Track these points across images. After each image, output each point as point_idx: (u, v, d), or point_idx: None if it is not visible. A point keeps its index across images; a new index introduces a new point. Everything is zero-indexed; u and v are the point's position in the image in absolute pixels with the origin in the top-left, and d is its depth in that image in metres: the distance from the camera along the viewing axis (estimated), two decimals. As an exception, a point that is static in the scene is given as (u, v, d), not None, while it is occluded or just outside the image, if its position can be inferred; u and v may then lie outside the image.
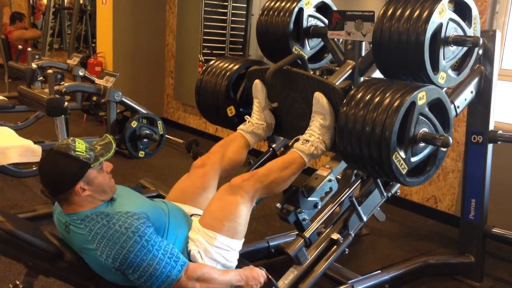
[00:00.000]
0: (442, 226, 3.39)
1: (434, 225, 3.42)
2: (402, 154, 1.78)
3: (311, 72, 2.19)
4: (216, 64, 2.56)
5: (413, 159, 1.84)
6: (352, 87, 2.03)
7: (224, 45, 6.98)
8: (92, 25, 7.46)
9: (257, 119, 2.28)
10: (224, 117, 2.49)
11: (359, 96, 1.85)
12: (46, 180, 1.65)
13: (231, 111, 2.47)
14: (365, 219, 2.12)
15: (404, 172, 1.81)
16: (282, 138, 2.63)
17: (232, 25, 6.96)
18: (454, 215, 3.30)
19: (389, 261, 2.82)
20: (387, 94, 1.77)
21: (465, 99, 2.35)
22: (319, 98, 2.01)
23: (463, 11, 2.00)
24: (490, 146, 2.51)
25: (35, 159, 3.18)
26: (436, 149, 1.90)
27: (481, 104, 2.46)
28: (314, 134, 2.01)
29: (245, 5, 5.79)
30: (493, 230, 2.59)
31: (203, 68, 2.59)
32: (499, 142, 2.49)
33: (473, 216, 2.58)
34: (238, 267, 1.85)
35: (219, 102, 2.46)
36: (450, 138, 1.78)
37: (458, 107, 2.29)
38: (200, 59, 5.49)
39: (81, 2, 7.74)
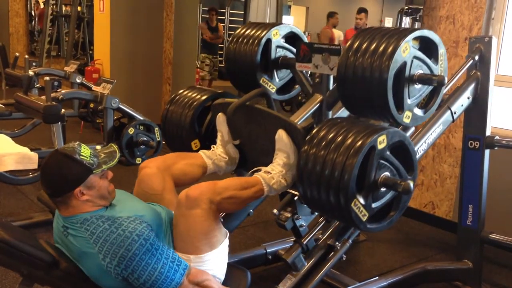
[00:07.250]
0: (440, 232, 3.38)
1: (431, 231, 3.42)
2: (362, 200, 1.66)
3: (275, 109, 2.11)
4: (184, 94, 2.43)
5: (374, 205, 1.71)
6: (315, 125, 1.93)
7: (222, 52, 7.00)
8: (89, 32, 7.46)
9: (220, 152, 2.19)
10: (189, 151, 2.33)
11: (321, 135, 1.73)
12: (47, 181, 1.65)
13: (195, 145, 2.33)
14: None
15: (364, 219, 1.68)
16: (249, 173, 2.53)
17: (229, 32, 6.97)
18: (452, 221, 3.29)
19: (387, 268, 2.81)
20: (349, 135, 1.67)
21: (462, 105, 2.35)
22: (282, 136, 1.93)
23: (429, 48, 1.88)
24: (487, 152, 2.51)
25: (32, 166, 3.17)
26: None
27: (477, 109, 2.47)
28: (275, 170, 1.92)
29: (243, 12, 5.82)
30: (491, 236, 2.59)
31: (171, 97, 2.47)
32: (496, 148, 2.49)
33: (471, 222, 2.58)
34: (234, 273, 1.84)
35: (183, 134, 2.33)
36: (412, 184, 1.67)
37: (455, 113, 2.29)
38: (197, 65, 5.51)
39: (78, 9, 7.76)
